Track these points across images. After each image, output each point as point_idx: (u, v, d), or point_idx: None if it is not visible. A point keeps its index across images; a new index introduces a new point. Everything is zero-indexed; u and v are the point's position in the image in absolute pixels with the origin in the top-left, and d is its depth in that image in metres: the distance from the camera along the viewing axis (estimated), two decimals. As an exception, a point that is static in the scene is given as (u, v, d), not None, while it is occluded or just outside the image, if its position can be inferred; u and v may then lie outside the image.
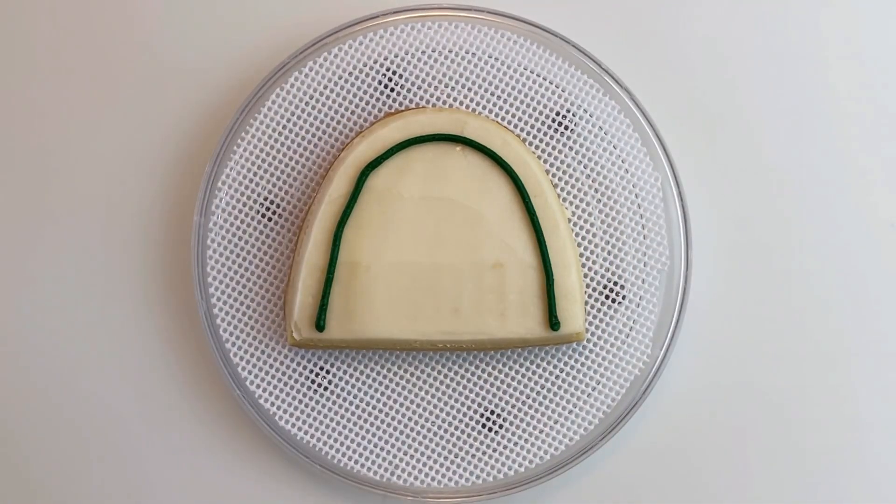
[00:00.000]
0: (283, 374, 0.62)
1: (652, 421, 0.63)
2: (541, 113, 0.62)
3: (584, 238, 0.62)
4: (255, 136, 0.62)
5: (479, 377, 0.62)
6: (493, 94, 0.62)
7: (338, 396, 0.62)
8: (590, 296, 0.62)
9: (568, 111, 0.62)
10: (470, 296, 0.59)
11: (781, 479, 0.63)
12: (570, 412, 0.61)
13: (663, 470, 0.63)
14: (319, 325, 0.59)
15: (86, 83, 0.65)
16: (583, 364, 0.62)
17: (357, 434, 0.62)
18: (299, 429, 0.62)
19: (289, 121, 0.62)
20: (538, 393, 0.62)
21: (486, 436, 0.62)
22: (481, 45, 0.62)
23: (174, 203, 0.64)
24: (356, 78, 0.62)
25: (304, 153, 0.62)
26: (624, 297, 0.62)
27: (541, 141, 0.62)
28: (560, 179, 0.62)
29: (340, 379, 0.62)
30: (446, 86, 0.62)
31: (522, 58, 0.62)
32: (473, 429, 0.62)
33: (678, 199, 0.62)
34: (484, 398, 0.62)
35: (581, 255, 0.62)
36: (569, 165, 0.62)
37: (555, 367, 0.62)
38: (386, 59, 0.62)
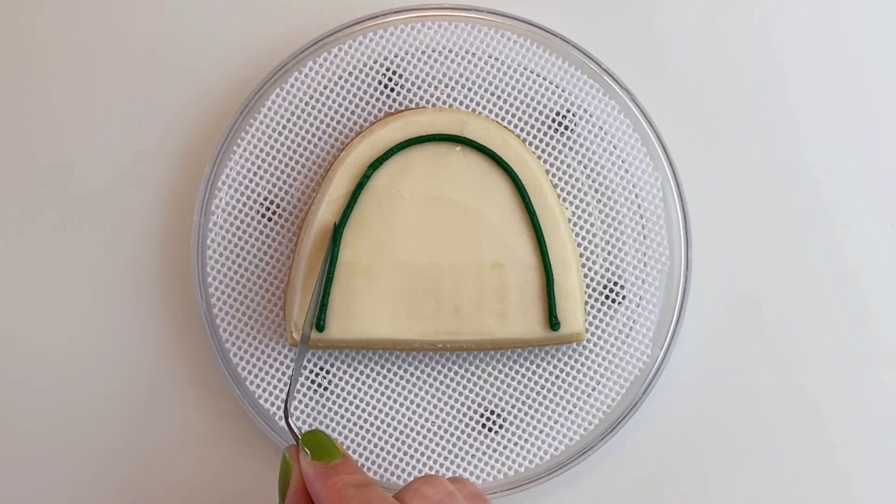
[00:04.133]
0: (283, 374, 0.62)
1: (652, 421, 0.63)
2: (541, 113, 0.62)
3: (584, 238, 0.62)
4: (255, 136, 0.62)
5: (479, 377, 0.62)
6: (493, 94, 0.62)
7: (338, 396, 0.62)
8: (590, 296, 0.62)
9: (568, 111, 0.62)
10: (470, 296, 0.59)
11: (781, 479, 0.63)
12: (570, 412, 0.61)
13: (663, 470, 0.63)
14: (319, 325, 0.59)
15: (86, 83, 0.64)
16: (583, 364, 0.62)
17: (357, 434, 0.62)
18: (299, 429, 0.62)
19: (289, 121, 0.62)
20: (538, 393, 0.62)
21: (486, 436, 0.62)
22: (481, 45, 0.62)
23: (174, 203, 0.64)
24: (356, 78, 0.62)
25: (304, 153, 0.62)
26: (624, 297, 0.62)
27: (541, 141, 0.62)
28: (560, 179, 0.62)
29: (340, 379, 0.62)
30: (446, 86, 0.62)
31: (522, 58, 0.62)
32: (473, 429, 0.62)
33: (678, 199, 0.62)
34: (484, 398, 0.62)
35: (581, 255, 0.62)
36: (569, 165, 0.62)
37: (555, 367, 0.62)
38: (386, 59, 0.62)
